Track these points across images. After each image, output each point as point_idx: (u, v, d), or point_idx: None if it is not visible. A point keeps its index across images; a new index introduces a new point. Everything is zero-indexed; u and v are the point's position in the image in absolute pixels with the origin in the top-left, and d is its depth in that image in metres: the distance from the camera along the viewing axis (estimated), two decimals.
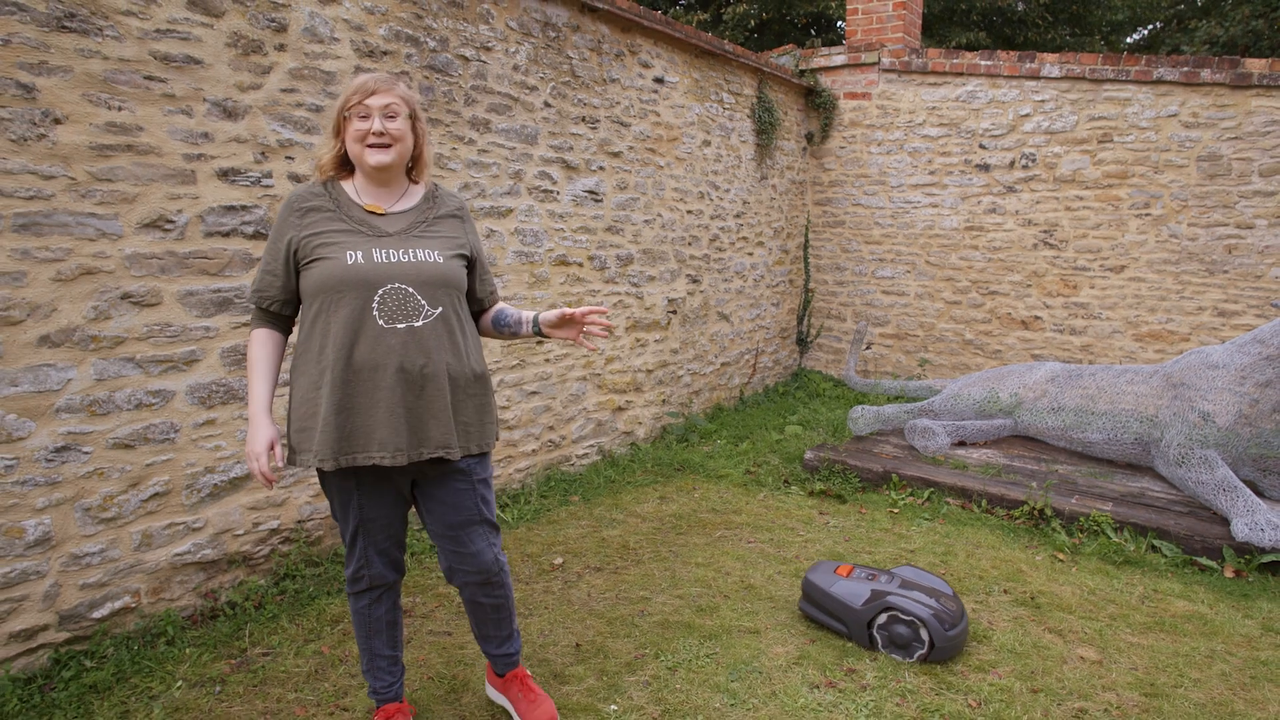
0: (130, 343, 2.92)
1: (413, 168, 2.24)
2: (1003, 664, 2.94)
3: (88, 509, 2.85)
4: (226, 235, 3.17)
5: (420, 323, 2.08)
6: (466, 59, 4.13)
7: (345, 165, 2.19)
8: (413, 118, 2.15)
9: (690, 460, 5.41)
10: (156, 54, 2.91)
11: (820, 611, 3.15)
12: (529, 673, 2.63)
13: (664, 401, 6.00)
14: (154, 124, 2.92)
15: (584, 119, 4.96)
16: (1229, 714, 2.65)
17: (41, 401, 2.71)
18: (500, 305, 2.43)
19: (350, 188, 2.17)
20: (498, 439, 2.32)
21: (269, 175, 3.29)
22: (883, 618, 2.97)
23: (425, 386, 2.09)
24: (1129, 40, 16.00)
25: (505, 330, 2.38)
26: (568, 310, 2.24)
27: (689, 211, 6.11)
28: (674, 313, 6.03)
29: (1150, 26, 15.83)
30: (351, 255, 2.05)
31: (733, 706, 2.66)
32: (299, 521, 3.53)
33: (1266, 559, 3.64)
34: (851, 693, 2.74)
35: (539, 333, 2.32)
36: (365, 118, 2.08)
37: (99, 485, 2.87)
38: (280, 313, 2.19)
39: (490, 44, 4.26)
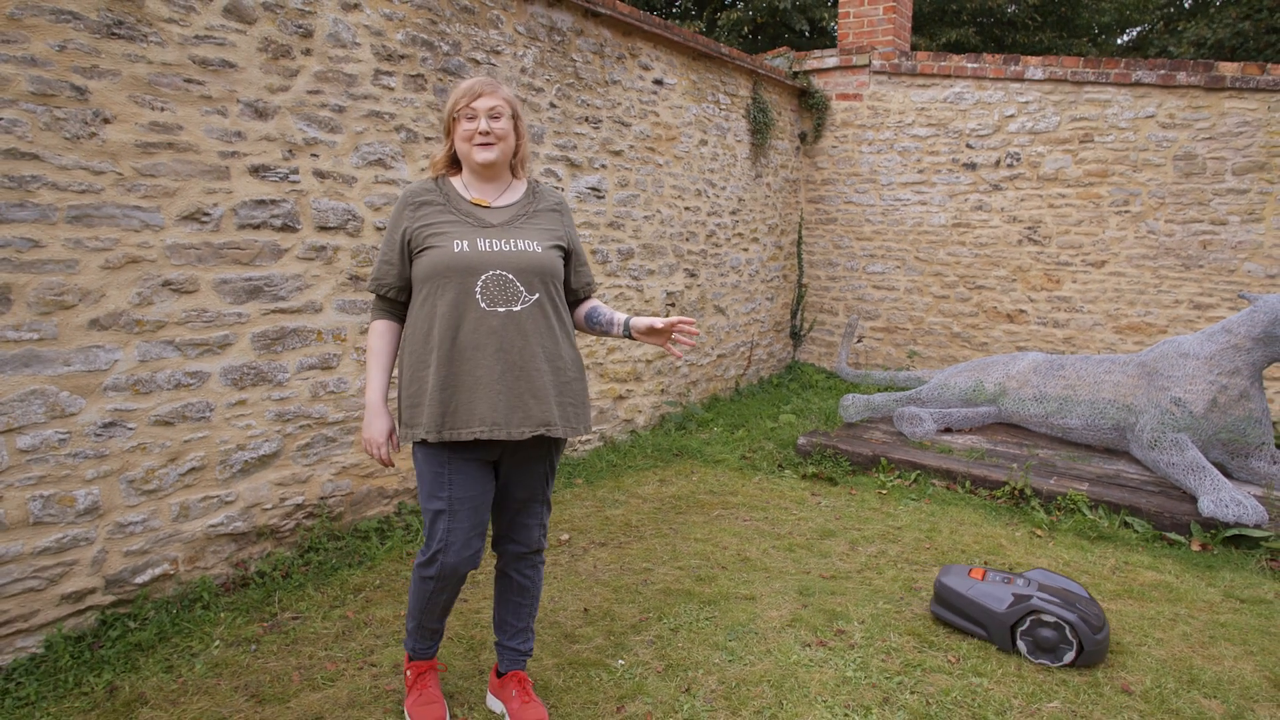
0: (170, 327, 3.14)
1: (515, 164, 2.42)
2: None
3: (131, 481, 3.07)
4: (257, 228, 3.39)
5: (519, 307, 2.24)
6: (478, 62, 4.35)
7: (454, 164, 2.40)
8: (515, 118, 2.34)
9: (688, 446, 5.64)
10: (195, 58, 3.13)
11: (955, 614, 3.11)
12: (531, 680, 2.66)
13: (663, 391, 6.23)
14: (192, 123, 3.14)
15: (587, 119, 5.19)
16: (1187, 668, 2.88)
17: (91, 380, 2.93)
18: (595, 302, 2.56)
19: (459, 183, 2.37)
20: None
21: (296, 171, 3.50)
22: (1027, 621, 2.92)
23: (524, 367, 2.25)
24: (1119, 42, 16.27)
25: (597, 327, 2.51)
26: (656, 321, 2.36)
27: (687, 208, 6.34)
28: (672, 305, 6.26)
29: (1139, 28, 16.10)
30: (458, 244, 2.22)
31: (730, 662, 2.89)
32: (321, 498, 3.75)
33: (1230, 533, 3.89)
34: (840, 650, 2.97)
35: (629, 335, 2.45)
36: (472, 119, 2.27)
37: (142, 459, 3.09)
38: (397, 299, 2.36)
39: (499, 48, 4.48)
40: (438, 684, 2.59)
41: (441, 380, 2.21)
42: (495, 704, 2.61)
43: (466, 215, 2.29)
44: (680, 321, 2.33)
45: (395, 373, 3.31)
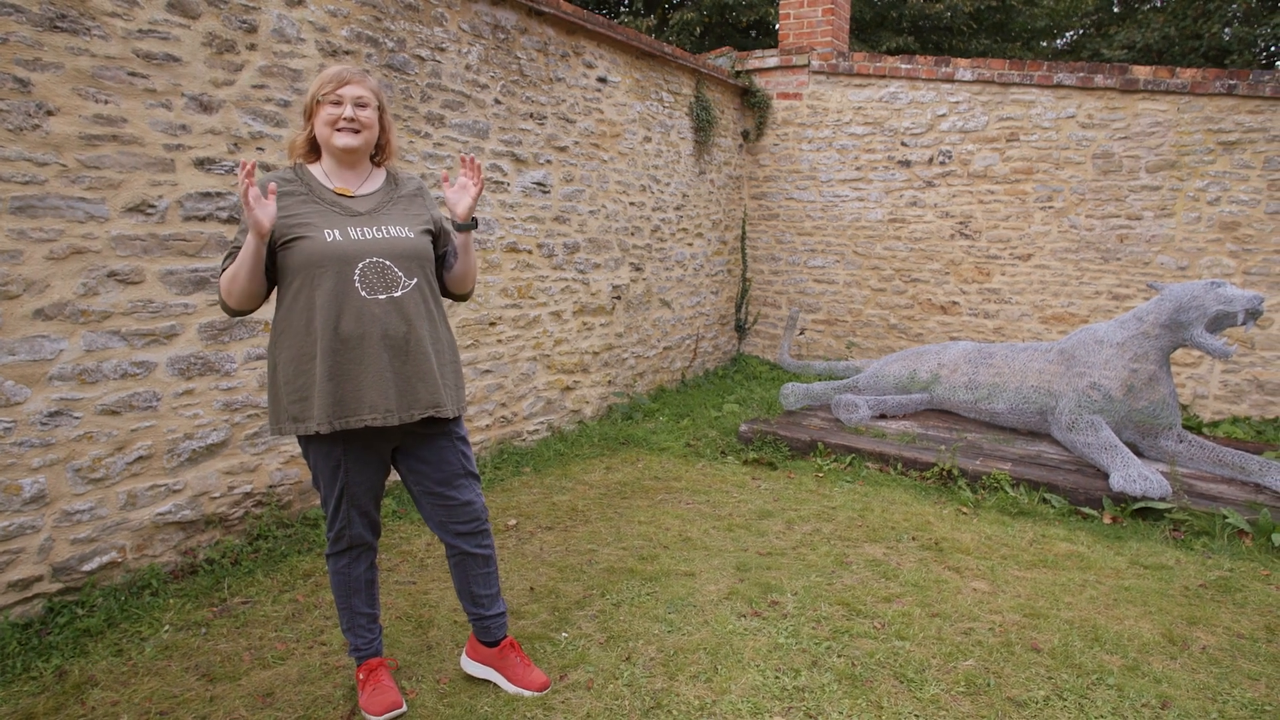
0: (116, 317, 3.18)
1: (377, 154, 2.45)
2: (906, 595, 3.37)
3: (78, 470, 3.10)
4: (203, 220, 3.43)
5: (399, 293, 2.29)
6: (422, 59, 4.43)
7: (314, 150, 2.39)
8: (380, 110, 2.38)
9: (634, 435, 5.78)
10: (139, 52, 3.17)
11: None
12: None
13: (610, 382, 6.36)
14: (137, 116, 3.18)
15: (532, 115, 5.29)
16: (1092, 628, 3.10)
17: (36, 370, 2.96)
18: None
19: (319, 171, 2.36)
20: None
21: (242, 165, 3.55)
22: None
23: (409, 352, 2.31)
24: (1056, 45, 16.82)
25: (454, 259, 2.51)
26: (455, 190, 2.41)
27: (631, 203, 6.48)
28: (618, 299, 6.39)
29: (1072, 33, 16.67)
30: (329, 234, 2.24)
31: (670, 633, 3.03)
32: (270, 486, 3.80)
33: (1138, 506, 4.16)
34: (774, 619, 3.14)
35: (466, 228, 2.44)
36: (338, 104, 2.27)
37: (89, 448, 3.12)
38: None
39: (444, 45, 4.57)
40: (389, 675, 2.57)
41: (328, 371, 2.22)
42: (479, 669, 2.67)
43: (332, 204, 2.30)
44: (465, 170, 2.43)
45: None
